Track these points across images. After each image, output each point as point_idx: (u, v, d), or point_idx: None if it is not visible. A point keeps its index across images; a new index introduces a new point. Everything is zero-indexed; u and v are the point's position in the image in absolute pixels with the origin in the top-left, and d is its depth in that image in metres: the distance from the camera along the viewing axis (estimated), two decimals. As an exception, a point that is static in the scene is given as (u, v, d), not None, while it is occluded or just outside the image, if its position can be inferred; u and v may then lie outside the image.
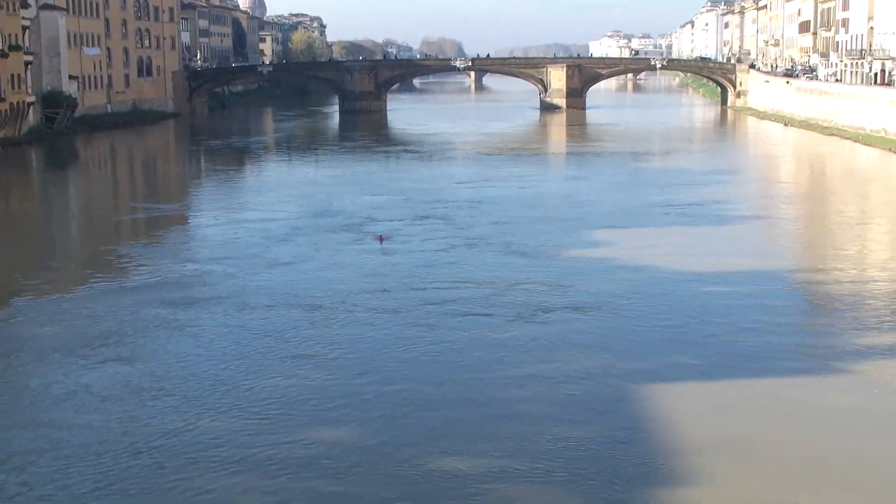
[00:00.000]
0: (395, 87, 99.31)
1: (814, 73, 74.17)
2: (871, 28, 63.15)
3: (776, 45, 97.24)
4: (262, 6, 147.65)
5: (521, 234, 27.02)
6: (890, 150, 46.93)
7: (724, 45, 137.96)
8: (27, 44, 56.99)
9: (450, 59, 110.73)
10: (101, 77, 72.32)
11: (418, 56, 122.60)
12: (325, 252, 24.74)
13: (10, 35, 53.60)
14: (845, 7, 68.71)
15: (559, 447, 12.49)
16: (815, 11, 78.60)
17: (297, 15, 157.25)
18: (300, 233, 27.58)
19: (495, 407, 13.85)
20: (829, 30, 73.52)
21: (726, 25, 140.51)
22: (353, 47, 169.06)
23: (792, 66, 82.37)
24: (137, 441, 12.79)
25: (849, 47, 67.62)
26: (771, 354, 16.11)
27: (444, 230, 27.78)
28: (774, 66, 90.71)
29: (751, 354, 16.14)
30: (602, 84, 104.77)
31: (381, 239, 25.82)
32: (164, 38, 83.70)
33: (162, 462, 12.18)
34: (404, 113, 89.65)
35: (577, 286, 20.90)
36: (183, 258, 24.51)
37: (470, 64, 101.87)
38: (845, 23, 68.66)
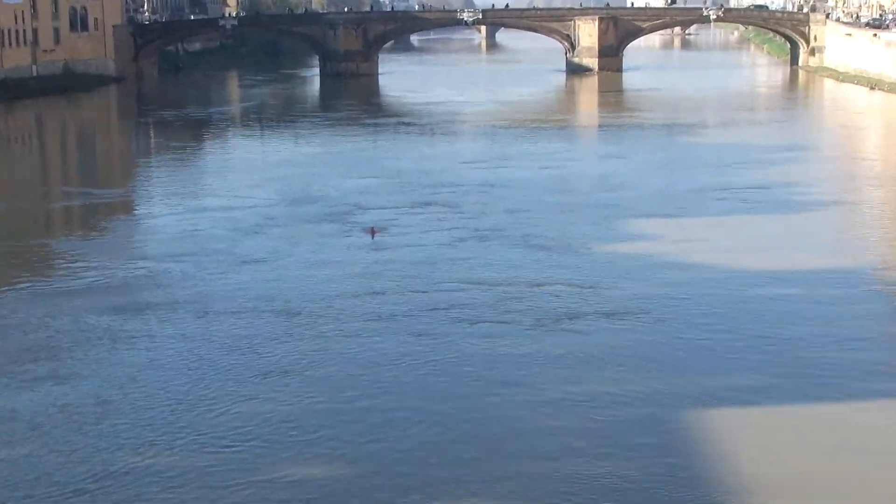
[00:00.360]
0: (388, 45, 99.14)
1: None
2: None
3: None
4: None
5: (543, 224, 27.18)
6: None
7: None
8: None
9: (455, 11, 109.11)
10: (24, 32, 70.70)
11: (417, 7, 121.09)
12: (305, 247, 24.94)
13: None
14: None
15: (592, 489, 12.68)
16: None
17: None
18: (274, 223, 27.82)
19: (514, 441, 14.05)
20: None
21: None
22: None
23: (881, 16, 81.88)
24: (76, 480, 12.98)
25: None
26: (849, 373, 16.27)
27: (449, 220, 27.96)
28: (857, 15, 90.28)
29: (825, 373, 16.30)
30: (642, 40, 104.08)
31: (372, 232, 26.13)
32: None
33: (107, 504, 12.40)
34: (400, 77, 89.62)
35: (610, 288, 21.12)
36: (131, 255, 24.77)
37: (480, 17, 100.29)
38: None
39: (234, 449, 13.87)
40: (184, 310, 19.92)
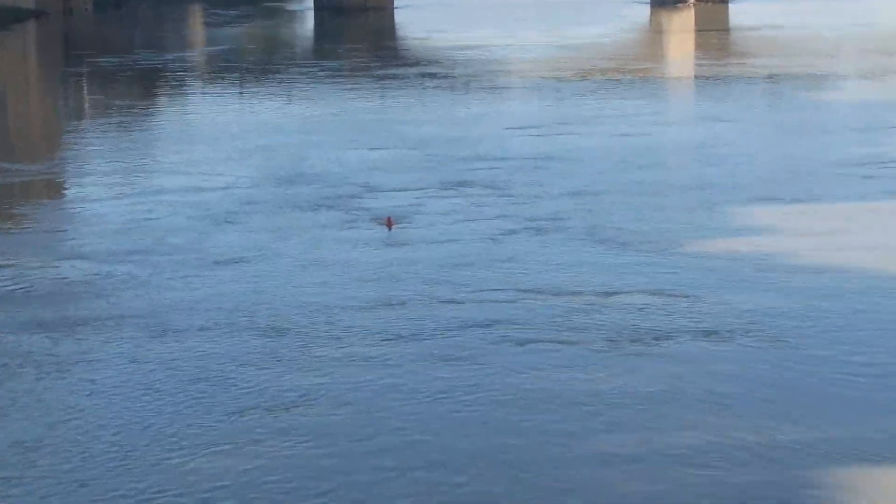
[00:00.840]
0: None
1: None
2: None
3: None
4: None
5: (619, 211, 27.27)
6: None
7: None
8: None
9: None
10: None
11: None
12: (296, 243, 25.17)
13: None
14: None
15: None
16: None
17: None
18: (255, 210, 28.07)
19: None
20: None
21: None
22: None
23: None
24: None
25: None
26: None
27: (490, 206, 28.12)
28: None
29: None
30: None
31: (389, 223, 26.38)
32: None
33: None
34: (423, 12, 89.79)
35: (710, 298, 21.08)
36: (61, 252, 25.01)
37: None
38: None
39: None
40: (133, 326, 20.01)
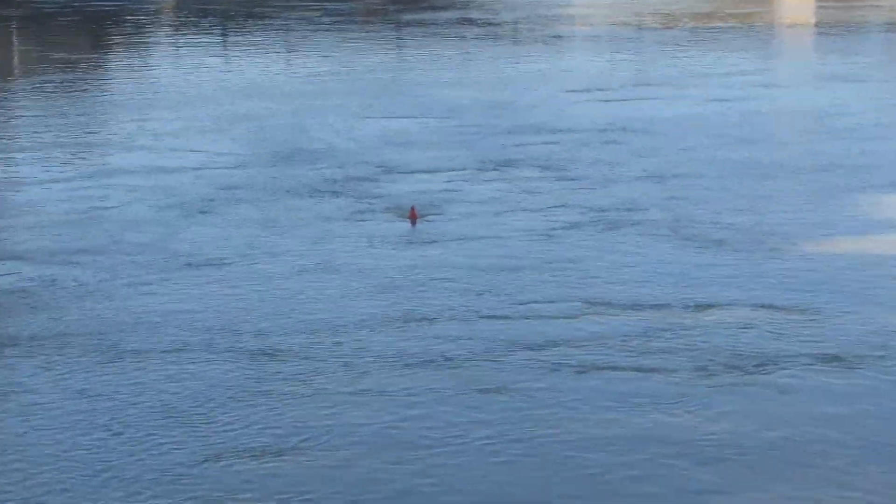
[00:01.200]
0: None
1: None
2: None
3: None
4: None
5: (715, 200, 27.44)
6: None
7: None
8: None
9: None
10: None
11: None
12: (293, 240, 25.33)
13: None
14: None
15: None
16: None
17: None
18: (239, 198, 28.26)
19: None
20: None
21: None
22: None
23: None
24: None
25: None
26: None
27: (545, 192, 28.34)
28: None
29: None
30: None
31: (413, 215, 26.66)
32: None
33: None
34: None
35: (833, 313, 21.06)
36: None
37: None
38: None
39: None
40: (81, 348, 20.07)
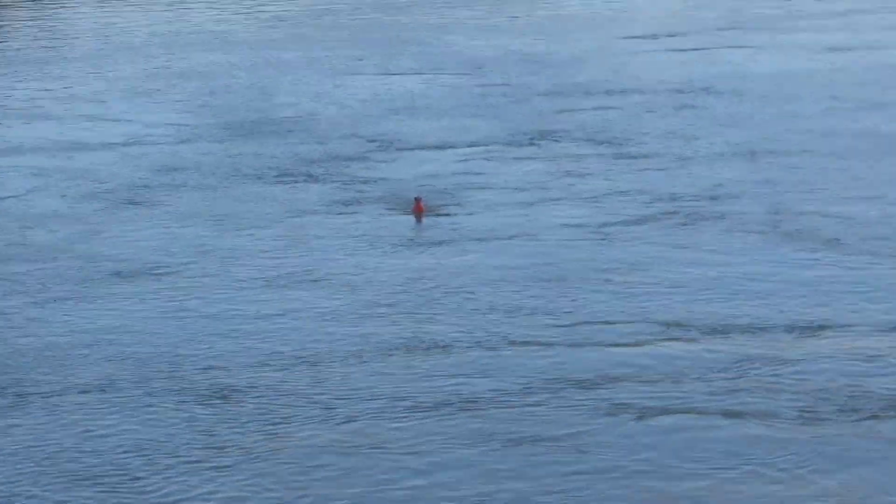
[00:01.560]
0: None
1: None
2: None
3: None
4: None
5: (826, 184, 27.36)
6: None
7: None
8: None
9: None
10: None
11: None
12: (257, 240, 25.21)
13: None
14: None
15: None
16: None
17: None
18: (183, 182, 28.36)
19: None
20: None
21: None
22: None
23: None
24: None
25: None
26: None
27: (594, 173, 28.46)
28: None
29: None
30: None
31: (418, 207, 26.69)
32: None
33: None
34: None
35: None
36: None
37: None
38: None
39: None
40: None
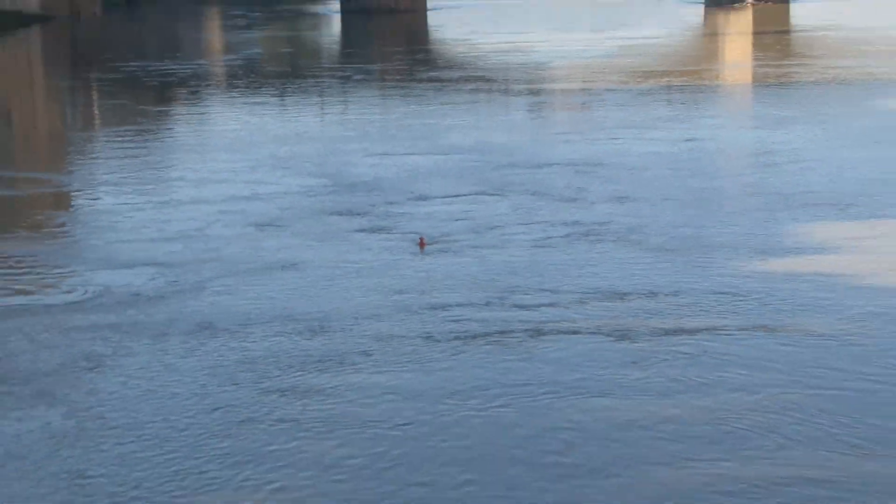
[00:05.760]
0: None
1: None
2: None
3: None
4: None
5: (679, 219, 27.87)
6: None
7: None
8: None
9: None
10: None
11: None
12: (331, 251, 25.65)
13: None
14: None
15: None
16: None
17: None
18: (295, 216, 28.98)
19: None
20: None
21: None
22: None
23: None
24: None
25: None
26: None
27: (534, 210, 29.05)
28: None
29: None
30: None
31: (421, 242, 26.39)
32: None
33: None
34: (458, 14, 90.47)
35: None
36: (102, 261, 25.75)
37: None
38: None
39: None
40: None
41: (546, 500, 13.92)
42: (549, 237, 26.44)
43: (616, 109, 45.10)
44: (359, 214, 29.35)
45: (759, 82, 55.28)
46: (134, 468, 15.18)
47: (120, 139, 43.96)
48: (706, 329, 20.30)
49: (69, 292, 23.55)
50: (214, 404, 17.50)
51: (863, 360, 18.56)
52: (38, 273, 25.10)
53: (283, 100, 53.80)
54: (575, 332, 20.42)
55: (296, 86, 56.67)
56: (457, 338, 20.03)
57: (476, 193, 31.19)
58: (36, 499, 14.46)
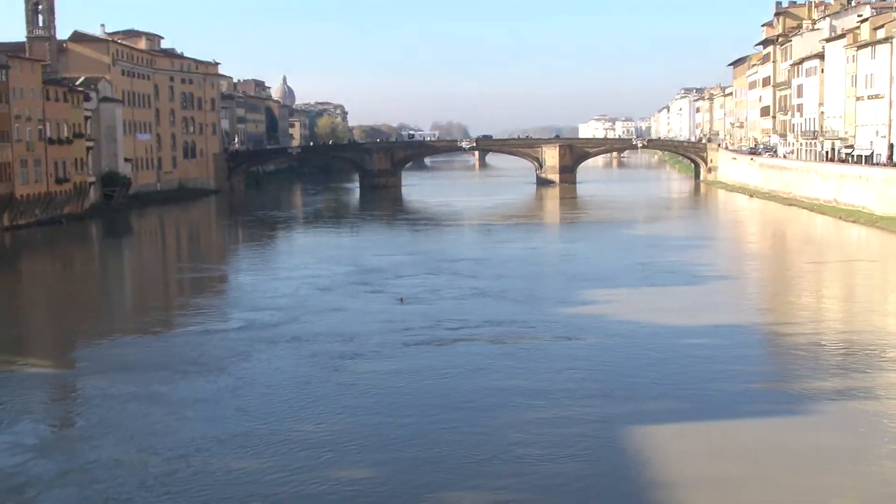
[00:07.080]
0: (408, 165, 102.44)
1: (774, 151, 76.97)
2: (822, 112, 66.08)
3: (741, 126, 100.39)
4: (292, 96, 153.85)
5: (528, 286, 27.48)
6: (840, 217, 48.31)
7: (696, 128, 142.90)
8: (88, 131, 60.87)
9: (457, 140, 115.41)
10: (152, 159, 77.73)
11: (429, 138, 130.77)
12: (344, 307, 24.57)
13: (74, 124, 57.68)
14: (800, 94, 72.31)
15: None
16: (774, 98, 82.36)
17: (322, 103, 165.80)
18: (325, 290, 27.55)
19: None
20: (787, 114, 76.90)
21: (698, 110, 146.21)
22: (372, 131, 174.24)
23: (755, 146, 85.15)
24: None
25: (803, 129, 70.53)
26: (740, 398, 15.89)
27: (453, 283, 28.24)
28: (740, 145, 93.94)
29: (723, 399, 16.05)
30: (590, 161, 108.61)
31: (401, 300, 25.01)
32: (207, 125, 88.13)
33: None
34: (418, 188, 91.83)
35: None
36: (240, 305, 25.38)
37: (475, 144, 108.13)
38: (800, 108, 72.31)
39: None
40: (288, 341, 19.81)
41: (456, 421, 14.82)
42: (462, 295, 25.88)
43: (495, 233, 45.03)
44: (369, 284, 28.59)
45: (563, 221, 55.62)
46: (269, 401, 15.96)
47: (253, 248, 43.30)
48: (536, 339, 20.42)
49: (231, 322, 23.23)
50: (298, 374, 17.76)
51: (604, 353, 19.06)
52: (216, 314, 24.68)
53: (330, 228, 52.79)
54: (474, 340, 20.32)
55: (337, 222, 56.46)
56: (417, 344, 19.96)
57: (426, 274, 30.38)
58: (218, 420, 14.96)
